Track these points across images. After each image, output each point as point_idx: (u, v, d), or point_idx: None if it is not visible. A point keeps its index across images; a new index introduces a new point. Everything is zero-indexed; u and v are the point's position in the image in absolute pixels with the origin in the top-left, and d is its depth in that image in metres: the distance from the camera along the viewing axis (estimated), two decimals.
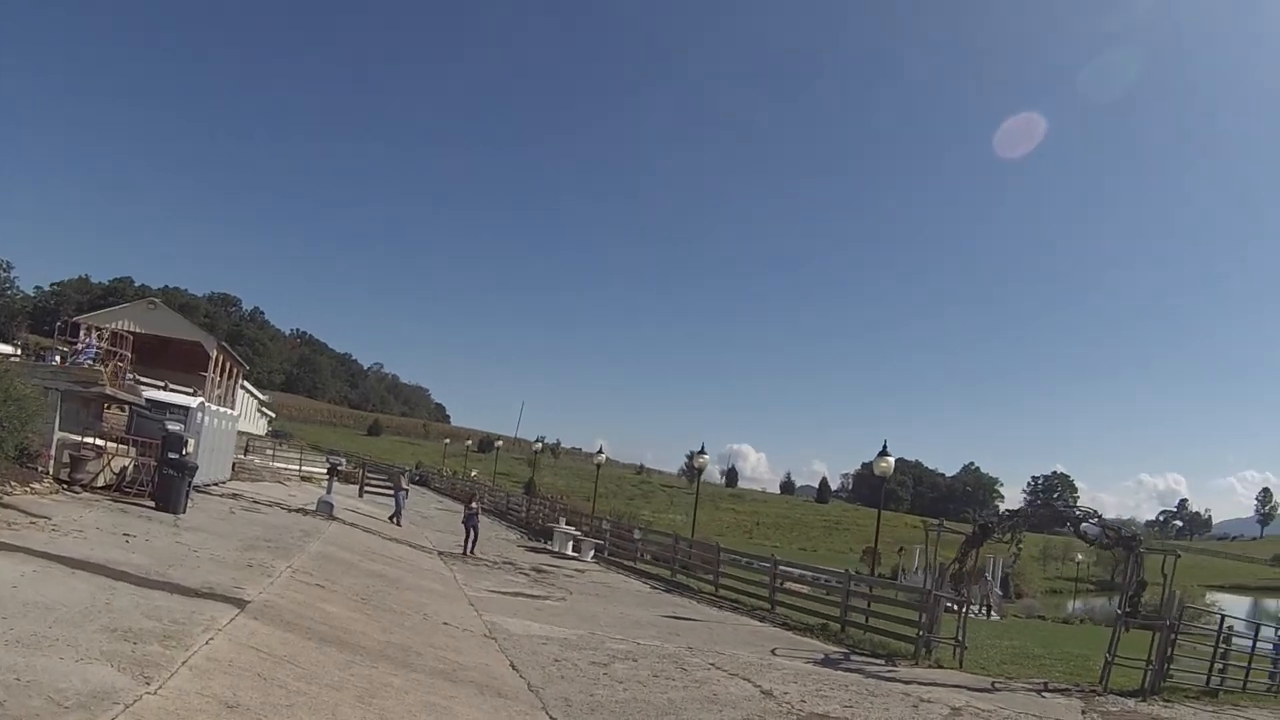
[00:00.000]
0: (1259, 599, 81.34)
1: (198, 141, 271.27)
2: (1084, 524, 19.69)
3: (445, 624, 13.72)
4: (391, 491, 32.75)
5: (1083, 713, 15.02)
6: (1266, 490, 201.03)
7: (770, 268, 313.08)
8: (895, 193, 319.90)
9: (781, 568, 25.69)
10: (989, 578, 59.05)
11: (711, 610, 22.84)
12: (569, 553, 31.97)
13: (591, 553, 31.95)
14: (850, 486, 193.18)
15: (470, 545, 26.68)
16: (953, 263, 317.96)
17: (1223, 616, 23.25)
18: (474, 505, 28.68)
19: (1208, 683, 20.42)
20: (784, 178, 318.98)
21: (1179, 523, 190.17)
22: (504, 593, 19.92)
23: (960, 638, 19.31)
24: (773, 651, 17.17)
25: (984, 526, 20.64)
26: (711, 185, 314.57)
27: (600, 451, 53.24)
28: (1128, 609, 18.96)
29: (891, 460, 27.41)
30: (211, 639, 7.66)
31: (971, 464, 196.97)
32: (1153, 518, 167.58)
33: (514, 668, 11.34)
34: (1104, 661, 18.82)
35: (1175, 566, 20.39)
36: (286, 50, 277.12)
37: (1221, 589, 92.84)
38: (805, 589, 27.38)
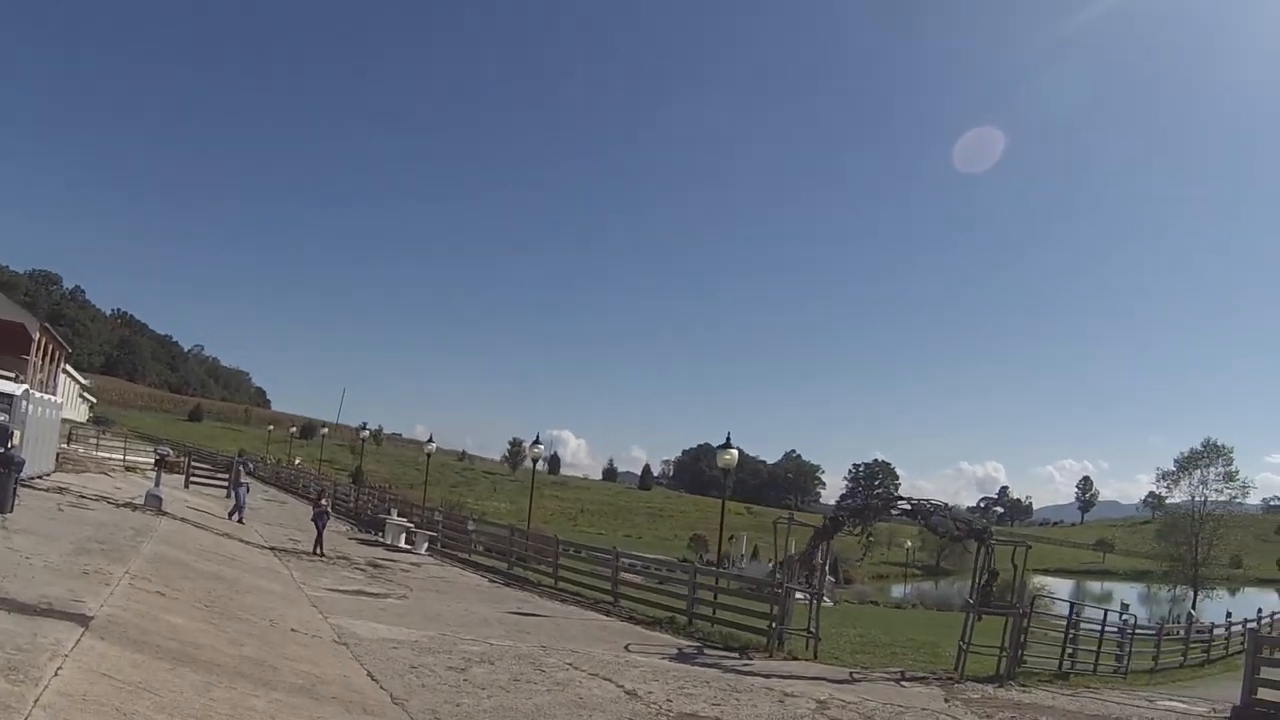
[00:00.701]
0: (1081, 581, 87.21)
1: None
2: (934, 516, 20.38)
3: (293, 630, 12.85)
4: (225, 484, 31.08)
5: (945, 700, 15.42)
6: (1087, 479, 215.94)
7: (585, 253, 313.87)
8: (716, 185, 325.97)
9: (624, 559, 25.71)
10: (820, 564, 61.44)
11: (555, 604, 22.49)
12: (402, 545, 31.06)
13: (425, 545, 31.14)
14: (671, 473, 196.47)
15: (319, 544, 25.34)
16: (774, 253, 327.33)
17: (1073, 604, 24.60)
18: (324, 503, 27.52)
19: (1060, 667, 21.61)
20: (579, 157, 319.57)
21: (1000, 509, 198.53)
22: (344, 591, 19.04)
23: (814, 629, 19.71)
24: (626, 648, 17.04)
25: (835, 519, 21.13)
26: (521, 157, 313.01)
27: (430, 441, 52.02)
28: (980, 597, 19.81)
29: (735, 453, 27.68)
30: (60, 668, 6.74)
31: (793, 451, 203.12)
32: (973, 504, 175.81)
33: (373, 678, 10.67)
34: (958, 649, 19.51)
35: (1026, 556, 21.49)
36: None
37: (1046, 572, 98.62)
38: (639, 579, 27.51)
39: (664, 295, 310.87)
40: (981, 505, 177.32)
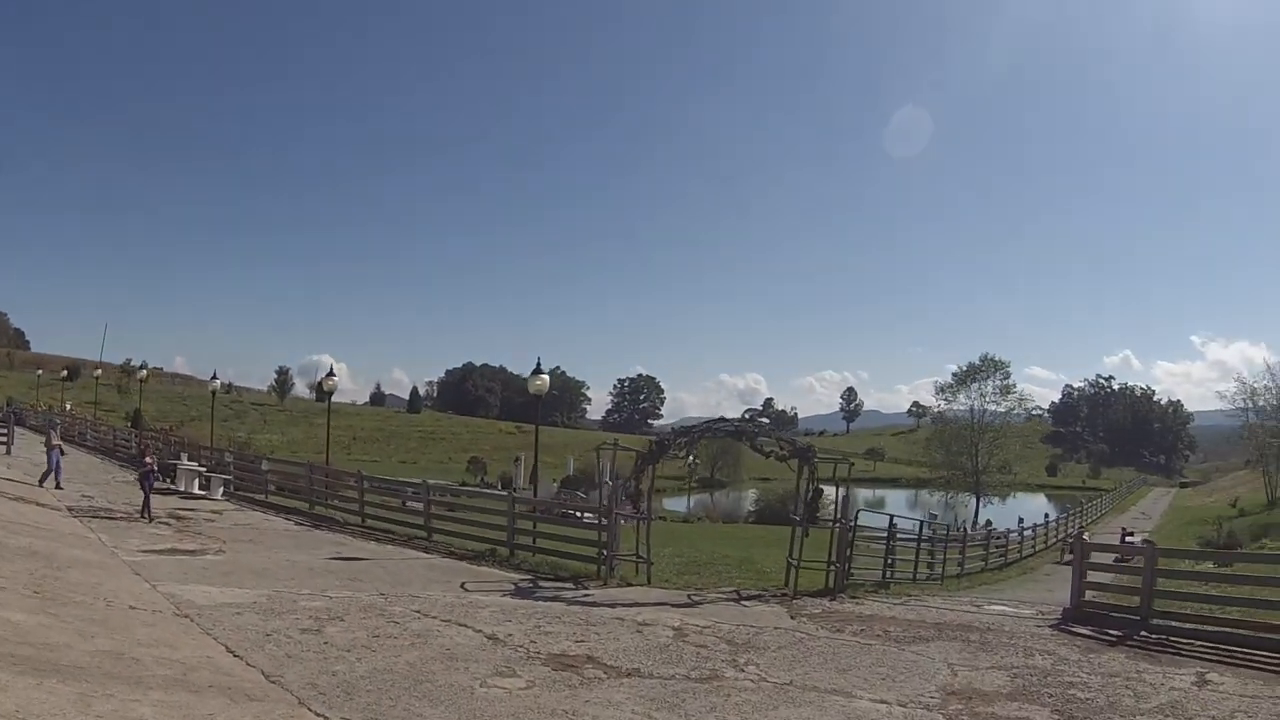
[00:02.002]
0: (851, 489, 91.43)
1: None
2: (759, 437, 20.90)
3: (132, 608, 11.60)
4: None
5: (792, 618, 15.86)
6: (851, 389, 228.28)
7: (332, 166, 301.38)
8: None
9: (435, 494, 25.24)
10: (608, 484, 62.07)
11: (371, 545, 21.72)
12: (197, 491, 29.20)
13: (221, 490, 29.29)
14: (436, 394, 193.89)
15: (147, 508, 22.72)
16: (535, 170, 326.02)
17: (891, 517, 25.93)
18: (149, 460, 24.14)
19: (883, 577, 22.82)
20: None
21: (766, 420, 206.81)
22: (158, 551, 17.63)
23: (646, 554, 19.94)
24: (463, 586, 16.77)
25: (661, 443, 21.25)
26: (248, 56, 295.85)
27: (214, 378, 48.63)
28: (807, 514, 20.58)
29: (546, 378, 27.45)
30: None
31: (558, 368, 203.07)
32: (739, 416, 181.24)
33: (235, 654, 9.81)
34: (787, 565, 20.28)
35: (850, 471, 22.43)
36: None
37: (820, 480, 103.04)
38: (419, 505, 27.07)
39: (418, 210, 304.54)
40: (747, 416, 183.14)
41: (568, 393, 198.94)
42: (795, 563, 19.90)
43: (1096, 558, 18.86)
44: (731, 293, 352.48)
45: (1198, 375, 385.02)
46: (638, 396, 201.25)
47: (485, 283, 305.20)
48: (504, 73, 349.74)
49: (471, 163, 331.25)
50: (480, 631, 12.42)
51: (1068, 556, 39.24)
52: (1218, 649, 14.10)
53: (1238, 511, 65.30)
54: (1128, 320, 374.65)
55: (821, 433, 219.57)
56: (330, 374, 37.51)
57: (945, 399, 78.01)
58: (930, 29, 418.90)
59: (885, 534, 24.87)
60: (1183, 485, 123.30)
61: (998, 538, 37.50)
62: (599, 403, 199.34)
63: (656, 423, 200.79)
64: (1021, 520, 48.90)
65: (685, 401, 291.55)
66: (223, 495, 28.79)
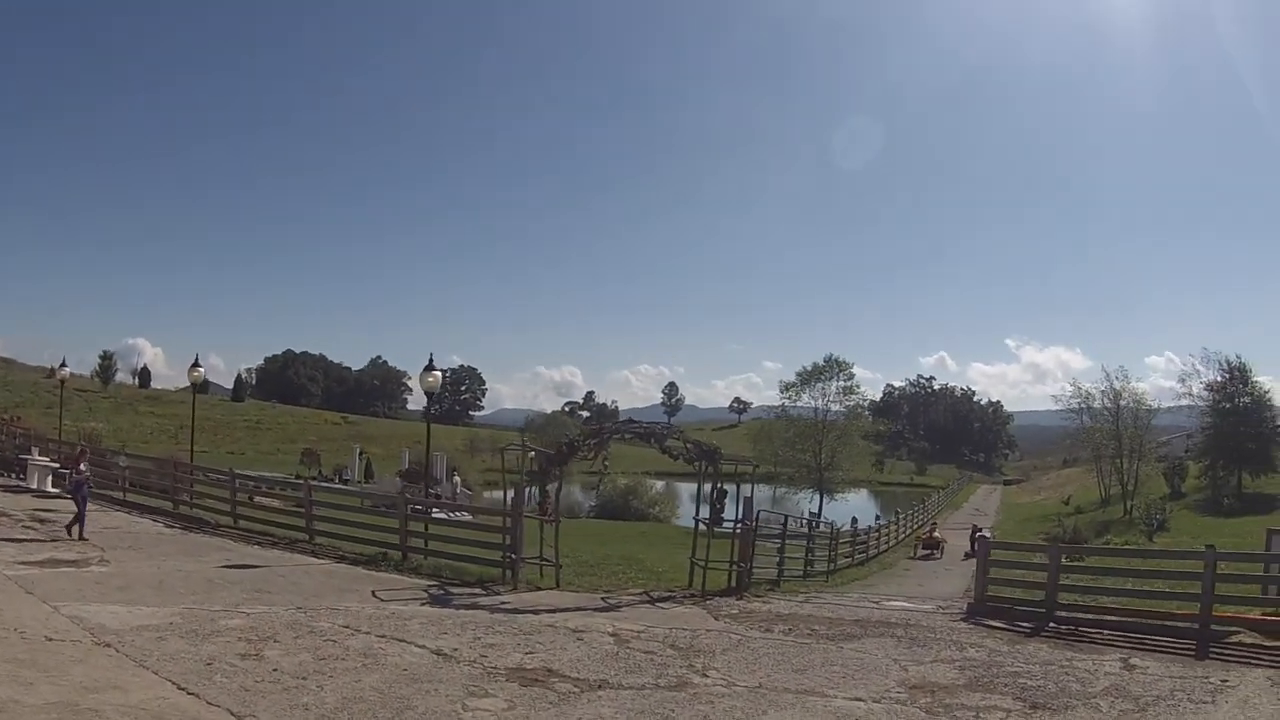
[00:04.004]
0: (671, 482, 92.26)
1: None
2: (668, 440, 20.66)
3: (49, 639, 10.15)
4: None
5: (715, 619, 15.90)
6: (673, 384, 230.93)
7: (157, 150, 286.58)
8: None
9: (315, 491, 23.92)
10: (458, 479, 60.79)
11: (255, 550, 20.15)
12: (50, 489, 26.50)
13: None
14: (254, 382, 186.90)
15: (80, 524, 19.43)
16: (359, 153, 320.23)
17: (786, 517, 26.02)
18: (84, 468, 20.51)
19: (778, 575, 22.91)
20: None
21: (585, 413, 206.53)
22: (37, 563, 15.88)
23: (555, 557, 19.35)
24: (375, 595, 15.83)
25: (571, 444, 20.70)
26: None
27: (64, 365, 44.56)
28: (713, 516, 20.39)
29: (439, 374, 26.37)
30: None
31: (379, 357, 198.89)
32: (557, 409, 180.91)
33: (187, 691, 8.72)
34: (691, 566, 20.23)
35: (754, 473, 22.36)
36: None
37: (648, 474, 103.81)
38: (278, 503, 25.73)
39: (230, 189, 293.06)
40: (566, 409, 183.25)
41: (388, 382, 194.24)
42: (702, 563, 19.78)
43: (996, 554, 19.21)
44: (548, 283, 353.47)
45: (1013, 377, 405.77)
46: (459, 388, 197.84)
47: (302, 268, 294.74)
48: (319, 56, 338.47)
49: (288, 143, 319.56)
50: (424, 647, 11.69)
51: (921, 551, 40.73)
52: (1126, 637, 14.99)
53: (1073, 509, 68.95)
54: (943, 322, 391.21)
55: None
56: (196, 365, 35.25)
57: (789, 397, 79.32)
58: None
59: (779, 534, 24.90)
60: (1006, 483, 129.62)
61: (859, 534, 38.16)
62: (419, 394, 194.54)
63: (477, 414, 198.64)
64: (855, 519, 50.16)
65: (502, 393, 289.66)
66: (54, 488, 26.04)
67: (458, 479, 60.54)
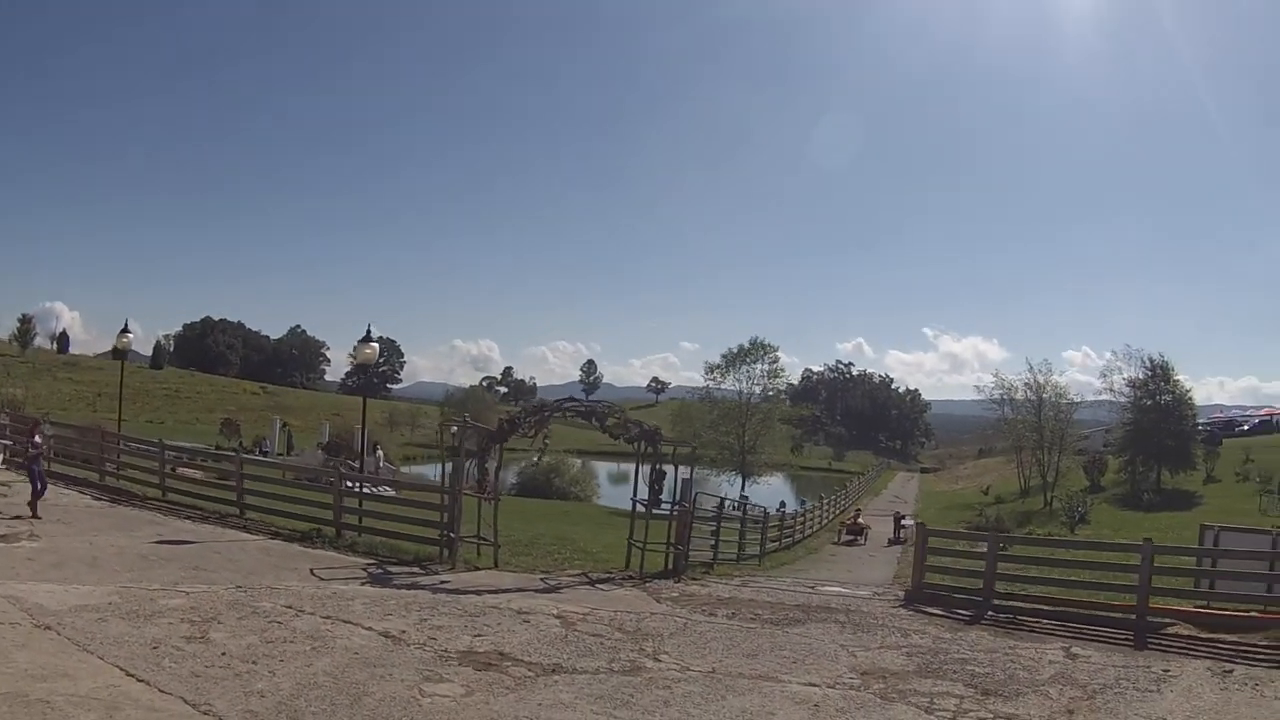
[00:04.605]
0: (589, 460, 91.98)
1: None
2: (609, 419, 20.47)
3: None
4: None
5: (658, 601, 15.88)
6: (591, 362, 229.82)
7: (71, 113, 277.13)
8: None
9: (246, 463, 23.32)
10: (380, 453, 59.77)
11: (189, 524, 19.48)
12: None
13: (1, 458, 25.08)
14: (172, 349, 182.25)
15: (35, 500, 18.43)
16: (277, 117, 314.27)
17: (723, 500, 26.00)
18: (39, 440, 19.70)
19: (713, 558, 22.91)
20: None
21: (503, 389, 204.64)
22: None
23: (494, 536, 19.11)
24: (313, 573, 15.50)
25: (511, 421, 20.42)
26: None
27: None
28: (652, 497, 20.29)
29: (376, 346, 25.88)
30: None
31: (298, 327, 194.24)
32: (474, 383, 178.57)
33: (137, 678, 8.34)
34: (628, 547, 20.17)
35: (693, 454, 22.33)
36: None
37: (568, 452, 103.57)
38: (200, 475, 25.13)
39: (154, 151, 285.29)
40: (484, 384, 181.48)
41: (307, 352, 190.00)
42: (640, 545, 19.69)
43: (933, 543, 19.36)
44: (466, 256, 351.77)
45: (930, 365, 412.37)
46: (377, 360, 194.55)
47: (221, 233, 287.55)
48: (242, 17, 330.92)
49: (206, 107, 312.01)
50: (371, 629, 11.40)
51: (846, 537, 41.10)
52: (1065, 626, 15.28)
53: (993, 499, 69.97)
54: (862, 308, 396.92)
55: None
56: (125, 330, 34.12)
57: (714, 379, 79.17)
58: None
59: (714, 516, 24.91)
60: (923, 471, 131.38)
61: (788, 520, 38.38)
62: (339, 364, 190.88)
63: (395, 388, 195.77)
64: (784, 504, 50.62)
65: (419, 366, 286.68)
66: (3, 464, 25.03)
67: (380, 453, 59.57)
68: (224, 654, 9.55)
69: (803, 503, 47.75)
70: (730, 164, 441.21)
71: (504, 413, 20.76)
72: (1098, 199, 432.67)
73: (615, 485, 78.23)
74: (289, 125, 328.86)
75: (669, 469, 20.72)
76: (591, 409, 20.95)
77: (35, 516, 18.03)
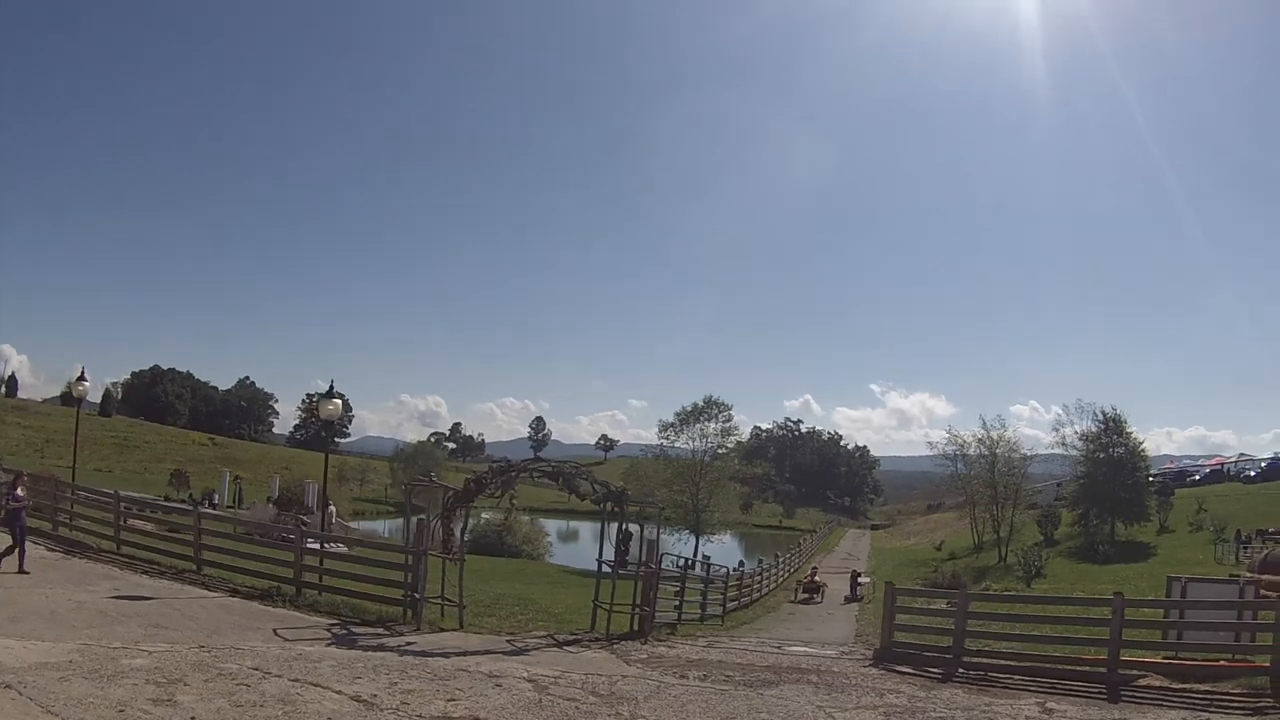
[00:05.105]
0: (537, 518, 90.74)
1: None
2: (575, 479, 20.21)
3: None
4: None
5: (627, 664, 15.53)
6: (540, 418, 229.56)
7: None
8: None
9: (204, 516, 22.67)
10: (333, 508, 58.71)
11: (146, 580, 18.84)
12: None
13: None
14: (120, 397, 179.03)
15: (20, 555, 17.87)
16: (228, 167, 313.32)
17: (688, 560, 25.73)
18: (21, 494, 18.94)
19: (678, 619, 22.60)
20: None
21: (452, 445, 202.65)
22: None
23: (459, 597, 18.73)
24: (276, 633, 15.01)
25: (479, 480, 20.07)
26: None
27: None
28: (619, 559, 20.09)
29: (339, 402, 25.42)
30: None
31: (247, 378, 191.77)
32: (422, 438, 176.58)
33: None
34: (594, 609, 19.94)
35: (660, 515, 22.13)
36: None
37: (519, 511, 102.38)
38: (151, 527, 24.44)
39: (101, 201, 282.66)
40: (432, 440, 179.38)
41: (256, 404, 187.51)
42: (606, 606, 19.43)
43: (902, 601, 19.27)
44: (416, 313, 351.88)
45: (878, 422, 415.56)
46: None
47: (172, 283, 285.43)
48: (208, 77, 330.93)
49: (156, 158, 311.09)
50: (341, 693, 10.91)
51: (802, 595, 40.84)
52: (1036, 681, 15.27)
53: (947, 554, 70.11)
54: (809, 366, 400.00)
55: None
56: (81, 378, 33.31)
57: (668, 437, 78.76)
58: None
59: (678, 576, 24.65)
60: (874, 527, 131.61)
61: (743, 578, 38.07)
62: (287, 416, 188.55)
63: (343, 442, 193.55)
64: (742, 562, 50.20)
65: (367, 420, 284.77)
66: None
67: (332, 508, 58.54)
68: (193, 718, 9.10)
69: (760, 561, 47.29)
70: (678, 223, 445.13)
71: (470, 472, 20.41)
72: (1041, 255, 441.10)
73: (565, 543, 77.51)
74: (240, 181, 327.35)
75: (634, 529, 20.58)
76: (559, 470, 20.65)
77: (22, 571, 17.46)
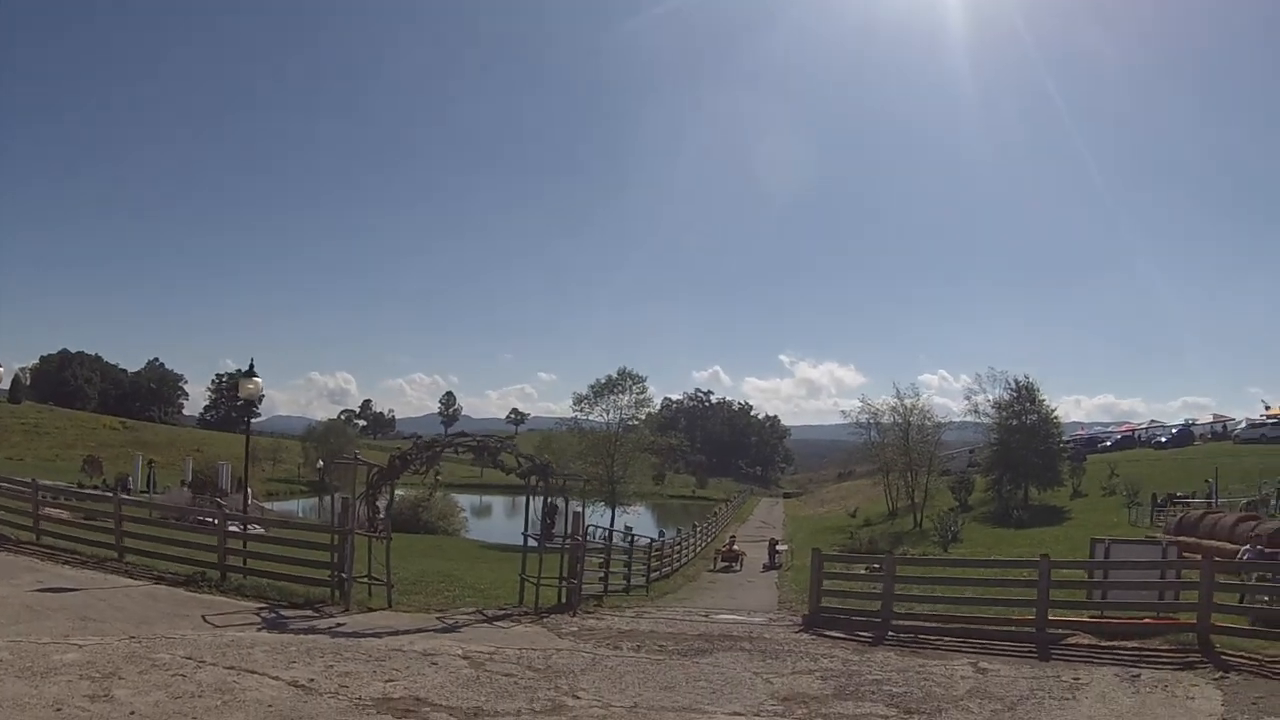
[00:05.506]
0: (450, 493, 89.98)
1: None
2: (500, 454, 20.10)
3: None
4: None
5: (560, 636, 15.68)
6: (450, 394, 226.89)
7: None
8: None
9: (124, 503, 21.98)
10: (250, 490, 57.47)
11: (67, 570, 18.15)
12: None
13: None
14: (29, 382, 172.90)
15: None
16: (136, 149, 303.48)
17: (611, 531, 25.74)
18: None
19: (604, 590, 22.66)
20: None
21: (362, 422, 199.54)
22: None
23: (387, 576, 18.54)
24: (206, 620, 14.64)
25: (403, 457, 19.79)
26: None
27: None
28: (545, 532, 20.10)
29: (259, 381, 24.83)
30: None
31: (156, 359, 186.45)
32: (332, 416, 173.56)
33: None
34: (521, 582, 19.87)
35: (583, 488, 22.11)
36: None
37: (434, 486, 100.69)
38: (66, 515, 23.77)
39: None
40: (343, 417, 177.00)
41: (165, 386, 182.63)
42: (534, 580, 19.42)
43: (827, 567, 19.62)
44: (323, 290, 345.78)
45: (786, 391, 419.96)
46: (234, 394, 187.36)
47: (79, 264, 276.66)
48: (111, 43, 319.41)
49: (61, 135, 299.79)
50: (279, 679, 10.68)
51: (721, 564, 41.24)
52: (967, 642, 15.59)
53: (862, 521, 71.19)
54: (718, 336, 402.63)
55: (421, 436, 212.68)
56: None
57: (582, 410, 78.60)
58: None
59: (603, 548, 24.75)
60: (786, 496, 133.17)
61: (660, 548, 38.30)
62: (197, 398, 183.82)
63: (253, 421, 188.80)
64: (663, 533, 50.51)
65: (276, 399, 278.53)
66: None
67: (249, 490, 57.37)
68: (133, 714, 8.80)
69: (679, 531, 47.60)
70: (585, 197, 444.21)
71: (382, 450, 20.18)
72: (948, 226, 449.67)
73: (478, 518, 77.13)
74: (145, 159, 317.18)
75: (558, 502, 20.57)
76: (484, 444, 20.53)
77: None
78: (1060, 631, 15.86)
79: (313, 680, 10.76)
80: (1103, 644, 15.16)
